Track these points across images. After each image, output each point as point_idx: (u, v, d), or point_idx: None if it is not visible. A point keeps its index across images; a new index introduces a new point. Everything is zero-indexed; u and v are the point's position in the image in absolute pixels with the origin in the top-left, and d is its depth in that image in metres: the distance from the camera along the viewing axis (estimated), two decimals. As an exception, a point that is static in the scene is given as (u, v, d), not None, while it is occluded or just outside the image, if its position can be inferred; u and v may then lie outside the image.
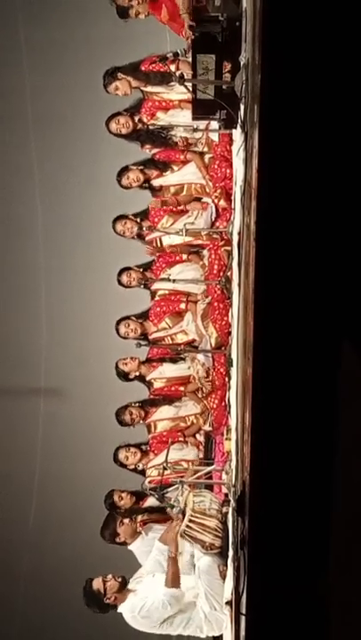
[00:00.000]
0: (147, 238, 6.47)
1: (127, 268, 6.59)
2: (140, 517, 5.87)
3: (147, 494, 5.96)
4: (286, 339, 3.11)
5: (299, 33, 2.96)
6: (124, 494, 6.08)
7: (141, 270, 6.58)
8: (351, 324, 3.12)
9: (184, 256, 6.41)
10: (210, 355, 6.01)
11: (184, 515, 4.74)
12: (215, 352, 5.93)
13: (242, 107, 3.99)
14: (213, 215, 6.02)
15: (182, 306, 6.35)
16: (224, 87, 4.21)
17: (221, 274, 5.77)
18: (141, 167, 6.36)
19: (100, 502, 6.17)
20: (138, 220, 6.47)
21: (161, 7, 4.81)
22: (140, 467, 6.42)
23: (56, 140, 8.47)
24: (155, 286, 6.50)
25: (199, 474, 5.26)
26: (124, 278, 6.57)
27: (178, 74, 4.31)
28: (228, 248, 5.61)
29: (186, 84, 4.33)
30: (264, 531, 3.23)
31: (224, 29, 4.08)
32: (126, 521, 5.69)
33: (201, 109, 4.41)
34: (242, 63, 3.96)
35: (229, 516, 4.43)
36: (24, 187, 8.59)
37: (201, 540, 4.73)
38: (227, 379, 5.63)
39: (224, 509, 4.74)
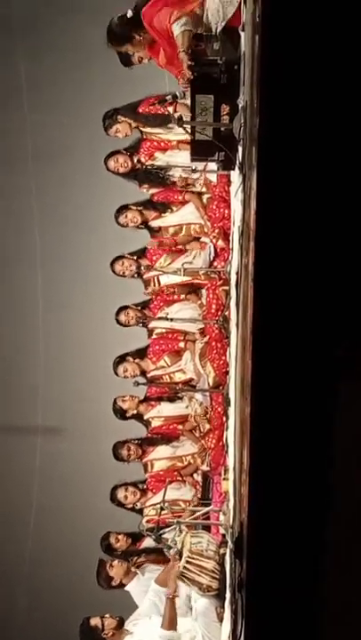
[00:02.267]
0: (145, 277, 6.49)
1: (125, 307, 6.60)
2: (136, 559, 5.83)
3: (144, 535, 5.92)
4: (284, 379, 3.11)
5: (297, 77, 3.00)
6: (120, 536, 6.04)
7: (139, 309, 6.59)
8: (349, 365, 3.12)
9: (182, 295, 6.43)
10: (208, 394, 6.01)
11: (181, 556, 4.70)
12: (213, 391, 5.92)
13: (240, 149, 4.02)
14: (212, 255, 6.06)
15: (181, 345, 6.35)
16: (222, 129, 4.25)
17: (219, 313, 5.79)
18: (141, 208, 6.40)
19: (96, 539, 6.13)
20: (135, 257, 6.50)
21: (159, 51, 4.86)
22: (138, 506, 6.38)
23: (55, 175, 8.53)
24: (152, 325, 6.51)
25: (196, 514, 5.23)
26: (123, 317, 6.58)
27: (177, 116, 4.34)
28: (226, 288, 5.63)
29: (184, 125, 4.37)
30: (262, 573, 3.20)
31: (222, 73, 4.12)
32: (115, 562, 5.68)
33: (199, 151, 4.44)
34: (240, 106, 3.99)
35: (227, 558, 4.39)
36: (23, 222, 8.63)
37: (198, 581, 4.69)
38: (224, 418, 5.61)
39: (221, 551, 4.70)
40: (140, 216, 6.40)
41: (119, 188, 6.70)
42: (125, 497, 6.29)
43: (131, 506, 6.35)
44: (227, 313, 5.46)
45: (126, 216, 6.41)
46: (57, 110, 8.38)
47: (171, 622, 4.89)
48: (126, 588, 5.75)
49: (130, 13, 4.98)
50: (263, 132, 3.08)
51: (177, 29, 4.47)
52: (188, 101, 4.47)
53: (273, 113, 3.04)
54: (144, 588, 5.49)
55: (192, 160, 4.67)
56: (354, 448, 3.15)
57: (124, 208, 6.43)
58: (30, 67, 8.31)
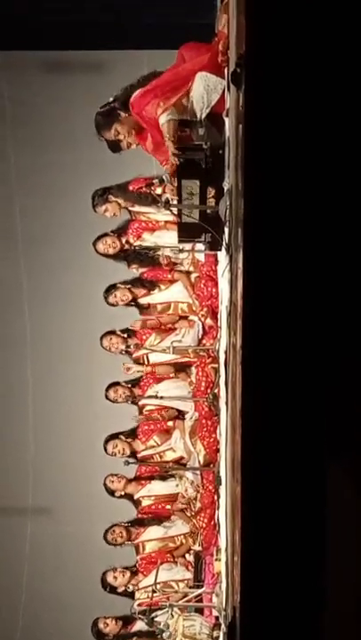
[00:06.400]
0: (134, 355, 6.52)
1: (115, 384, 6.62)
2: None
3: (135, 618, 5.83)
4: (275, 459, 3.11)
5: (280, 161, 3.08)
6: (109, 620, 5.97)
7: (129, 386, 6.61)
8: (338, 442, 3.13)
9: (171, 373, 6.45)
10: (198, 472, 5.97)
11: (174, 640, 4.63)
12: (204, 469, 5.89)
13: (226, 230, 4.09)
14: (200, 333, 6.10)
15: (170, 423, 6.35)
16: (209, 211, 4.33)
17: (209, 391, 5.80)
18: (129, 286, 6.48)
19: (87, 623, 6.03)
20: (125, 335, 6.54)
21: (146, 137, 5.00)
22: (131, 588, 6.30)
23: (45, 258, 8.60)
24: (142, 402, 6.52)
25: (189, 597, 5.16)
26: (112, 394, 6.61)
27: (164, 198, 4.43)
28: (216, 365, 5.65)
29: (171, 208, 4.46)
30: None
31: (208, 157, 4.22)
32: None
33: (186, 232, 4.52)
34: (225, 189, 4.08)
35: (221, 642, 4.32)
36: (12, 305, 8.67)
37: (192, 666, 4.61)
38: (216, 497, 5.57)
39: (215, 634, 4.63)
40: (130, 293, 6.47)
41: (108, 268, 6.78)
42: (115, 578, 6.24)
43: (123, 588, 6.27)
44: (216, 390, 5.47)
45: (116, 295, 6.48)
46: (46, 194, 8.51)
47: None
48: None
49: (110, 99, 5.17)
50: (248, 213, 3.14)
51: (163, 119, 4.60)
52: (175, 185, 4.57)
53: (257, 195, 3.10)
54: None
55: (179, 242, 4.75)
56: (347, 526, 3.14)
57: (112, 288, 6.50)
58: (19, 152, 8.46)
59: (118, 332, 6.56)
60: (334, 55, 2.88)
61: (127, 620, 6.08)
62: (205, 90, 4.56)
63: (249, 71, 2.93)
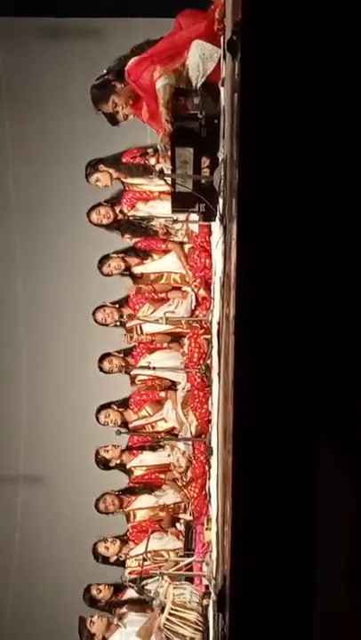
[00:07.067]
0: (127, 325, 6.52)
1: (108, 354, 6.63)
2: (118, 610, 5.78)
3: (126, 586, 5.89)
4: (267, 429, 3.12)
5: (275, 131, 3.05)
6: (102, 587, 6.01)
7: (122, 356, 6.62)
8: (331, 416, 3.13)
9: (164, 343, 6.46)
10: (190, 443, 6.00)
11: (164, 608, 4.66)
12: (195, 440, 5.92)
13: (220, 201, 4.07)
14: (193, 304, 6.10)
15: (162, 394, 6.37)
16: (203, 181, 4.30)
17: (201, 362, 5.81)
18: (122, 255, 6.46)
19: (79, 590, 6.07)
20: (117, 306, 6.54)
21: (142, 106, 4.96)
22: (122, 557, 6.35)
23: (39, 226, 8.58)
24: (134, 372, 6.54)
25: (179, 565, 5.19)
26: (107, 365, 6.62)
27: (158, 168, 4.41)
28: (208, 336, 5.66)
29: (165, 178, 4.43)
30: (245, 628, 3.17)
31: (202, 126, 4.19)
32: (95, 618, 5.65)
33: (180, 202, 4.49)
34: (220, 159, 4.05)
35: (210, 610, 4.35)
36: (6, 273, 8.65)
37: (181, 634, 4.65)
38: (207, 467, 5.60)
39: (205, 602, 4.66)
40: (124, 263, 6.46)
41: (102, 237, 6.76)
42: (107, 548, 6.28)
43: (115, 558, 6.32)
44: (209, 361, 5.48)
45: (110, 265, 6.47)
46: (40, 162, 8.46)
47: None
48: (109, 644, 5.70)
49: (104, 71, 5.13)
50: (243, 184, 3.12)
51: (159, 84, 4.57)
52: (169, 154, 4.54)
53: (252, 165, 3.09)
54: (128, 640, 5.45)
55: (173, 211, 4.73)
56: (338, 495, 3.15)
57: (106, 258, 6.49)
58: (13, 121, 8.40)
59: (109, 304, 6.57)
60: (331, 23, 2.85)
61: (118, 588, 6.14)
62: (201, 58, 4.52)
63: (245, 39, 2.90)
